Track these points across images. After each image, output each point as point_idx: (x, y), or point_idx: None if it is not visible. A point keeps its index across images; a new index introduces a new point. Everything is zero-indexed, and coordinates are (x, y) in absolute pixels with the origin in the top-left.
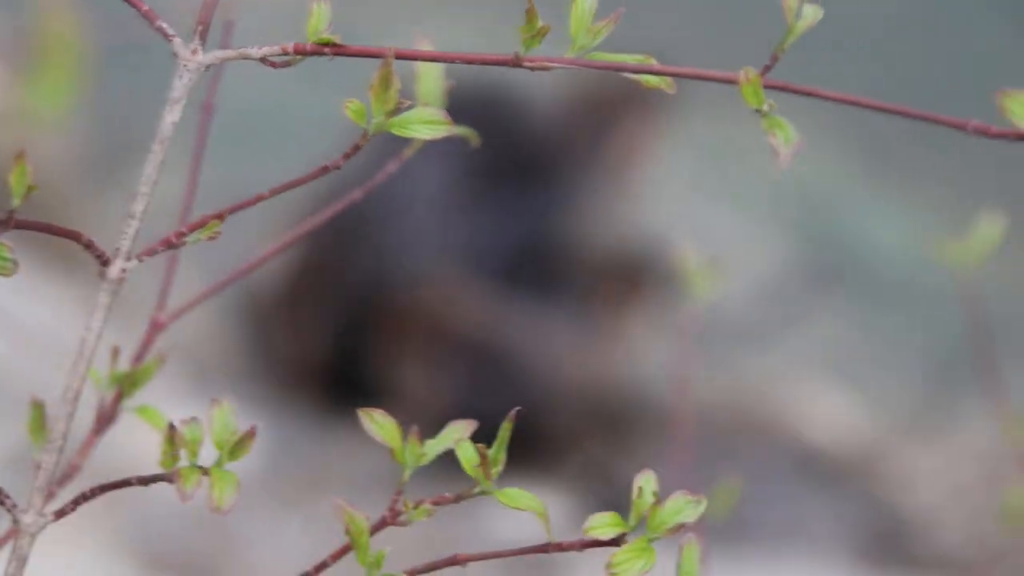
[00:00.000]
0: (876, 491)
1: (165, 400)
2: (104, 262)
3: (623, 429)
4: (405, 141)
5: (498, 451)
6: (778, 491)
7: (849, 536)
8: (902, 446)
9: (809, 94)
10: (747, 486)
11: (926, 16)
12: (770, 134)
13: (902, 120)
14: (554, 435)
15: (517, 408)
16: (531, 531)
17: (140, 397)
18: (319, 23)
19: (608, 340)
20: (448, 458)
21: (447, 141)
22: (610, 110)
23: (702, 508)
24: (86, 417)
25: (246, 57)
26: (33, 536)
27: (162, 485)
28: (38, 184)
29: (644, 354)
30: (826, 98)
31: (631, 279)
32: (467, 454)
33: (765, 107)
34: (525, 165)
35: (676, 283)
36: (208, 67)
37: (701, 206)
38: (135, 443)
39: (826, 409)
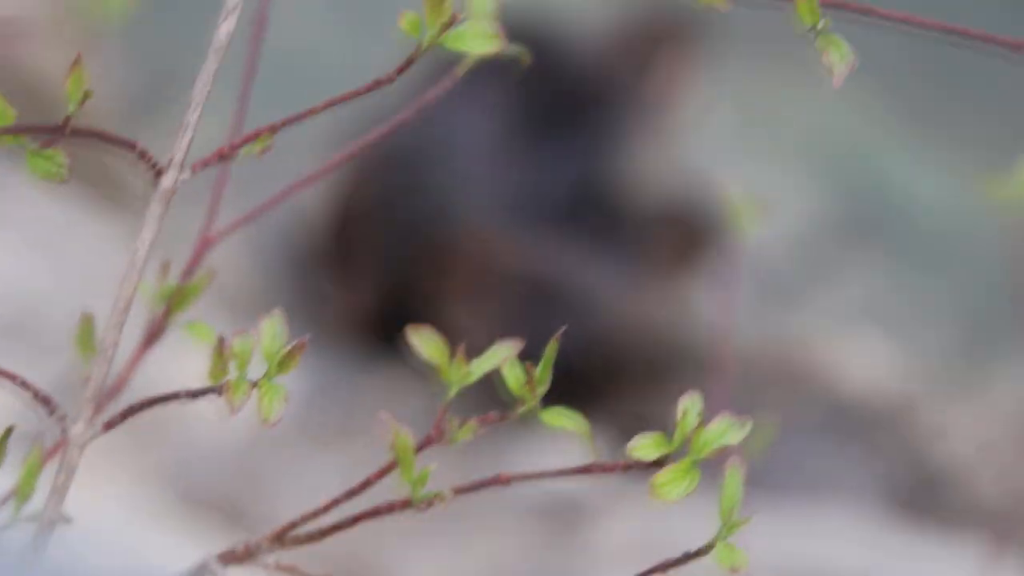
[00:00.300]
0: (910, 443)
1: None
2: (157, 172)
3: (663, 372)
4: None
5: (544, 371)
6: (812, 441)
7: (882, 487)
8: (936, 399)
9: (865, 12)
10: (781, 435)
11: None
12: (824, 52)
13: (937, 71)
14: (596, 377)
15: (562, 328)
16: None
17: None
18: None
19: (652, 282)
20: (489, 403)
21: (492, 86)
22: (652, 48)
23: (747, 430)
24: (134, 337)
25: None
26: (82, 447)
27: (200, 421)
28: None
29: (686, 297)
30: (882, 16)
31: (675, 221)
32: (514, 372)
33: (820, 24)
34: (570, 107)
35: (719, 224)
36: None
37: (738, 156)
38: (181, 371)
39: (861, 360)
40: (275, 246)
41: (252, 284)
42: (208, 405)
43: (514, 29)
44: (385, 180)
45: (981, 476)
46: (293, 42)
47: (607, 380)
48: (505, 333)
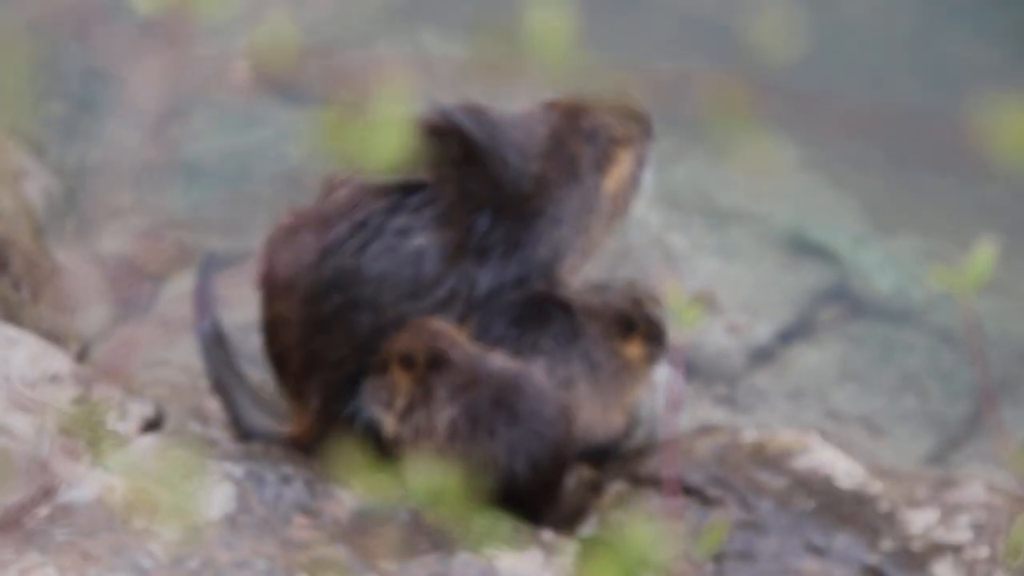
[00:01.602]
0: (870, 538)
1: (138, 443)
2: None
3: (613, 463)
4: None
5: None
6: (770, 535)
7: None
8: (898, 496)
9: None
10: (736, 532)
11: (892, 23)
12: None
13: (895, 159)
14: (546, 475)
15: (508, 441)
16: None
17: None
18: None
19: (600, 379)
20: None
21: (429, 193)
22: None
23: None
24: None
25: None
26: None
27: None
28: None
29: (635, 391)
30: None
31: (623, 319)
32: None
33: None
34: (509, 211)
35: (665, 320)
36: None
37: (688, 247)
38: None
39: (821, 457)
40: (214, 349)
41: (196, 388)
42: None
43: (447, 131)
44: (326, 290)
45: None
46: (217, 139)
47: (556, 475)
48: (448, 436)
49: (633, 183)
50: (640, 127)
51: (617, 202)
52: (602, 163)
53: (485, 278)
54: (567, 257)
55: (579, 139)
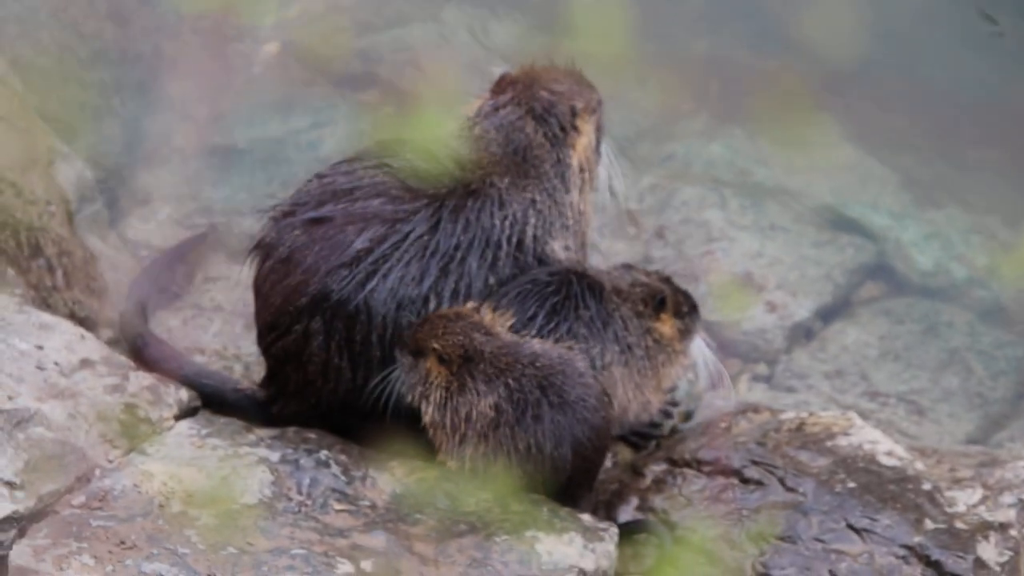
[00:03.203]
0: (913, 518)
1: (179, 437)
2: None
3: (654, 445)
4: None
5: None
6: (812, 516)
7: (887, 564)
8: (940, 476)
9: None
10: (778, 514)
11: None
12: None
13: (942, 140)
14: (588, 464)
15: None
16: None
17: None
18: None
19: (634, 361)
20: None
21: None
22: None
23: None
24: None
25: None
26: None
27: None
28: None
29: (672, 371)
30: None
31: (650, 295)
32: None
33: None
34: (455, 200)
35: (708, 302)
36: None
37: (725, 225)
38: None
39: (862, 437)
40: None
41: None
42: None
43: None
44: (354, 283)
45: (987, 554)
46: (259, 129)
47: (598, 460)
48: (485, 417)
49: (596, 151)
50: (595, 94)
51: (587, 172)
52: (565, 136)
53: (433, 279)
54: (550, 237)
55: (531, 118)
